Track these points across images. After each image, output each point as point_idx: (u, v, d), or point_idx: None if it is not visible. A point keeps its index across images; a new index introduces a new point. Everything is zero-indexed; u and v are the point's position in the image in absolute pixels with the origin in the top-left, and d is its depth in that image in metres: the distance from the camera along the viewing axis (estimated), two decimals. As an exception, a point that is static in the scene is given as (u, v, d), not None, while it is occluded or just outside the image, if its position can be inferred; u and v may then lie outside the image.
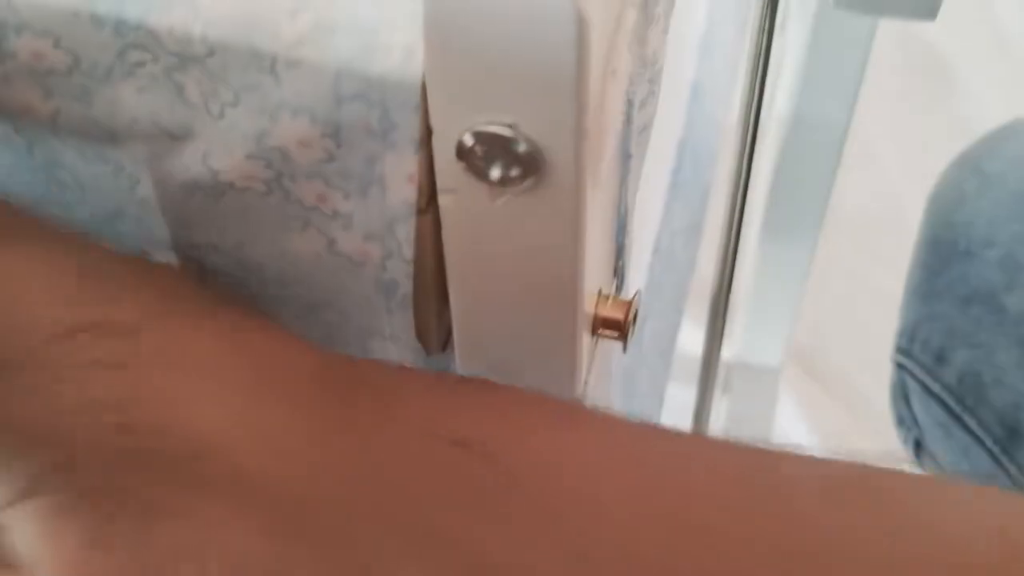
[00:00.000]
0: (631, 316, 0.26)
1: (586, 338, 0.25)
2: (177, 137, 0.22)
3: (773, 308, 0.75)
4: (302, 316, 0.25)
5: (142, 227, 0.24)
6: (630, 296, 0.27)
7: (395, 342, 0.25)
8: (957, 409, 0.58)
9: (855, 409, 1.10)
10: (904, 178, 1.28)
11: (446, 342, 0.25)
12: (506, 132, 0.19)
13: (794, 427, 1.02)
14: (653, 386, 0.51)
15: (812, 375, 1.12)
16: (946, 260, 0.61)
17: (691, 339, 0.63)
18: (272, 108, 0.21)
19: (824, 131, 0.66)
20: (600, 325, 0.26)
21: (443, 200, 0.21)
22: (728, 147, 0.55)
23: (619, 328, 0.26)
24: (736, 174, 0.53)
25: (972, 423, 0.57)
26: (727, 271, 0.57)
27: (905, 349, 0.63)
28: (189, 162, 0.22)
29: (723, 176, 0.56)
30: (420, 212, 0.22)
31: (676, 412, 0.58)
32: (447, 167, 0.20)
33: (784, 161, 0.70)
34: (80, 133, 0.22)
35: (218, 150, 0.22)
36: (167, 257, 0.25)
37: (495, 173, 0.20)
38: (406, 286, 0.23)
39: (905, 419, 0.65)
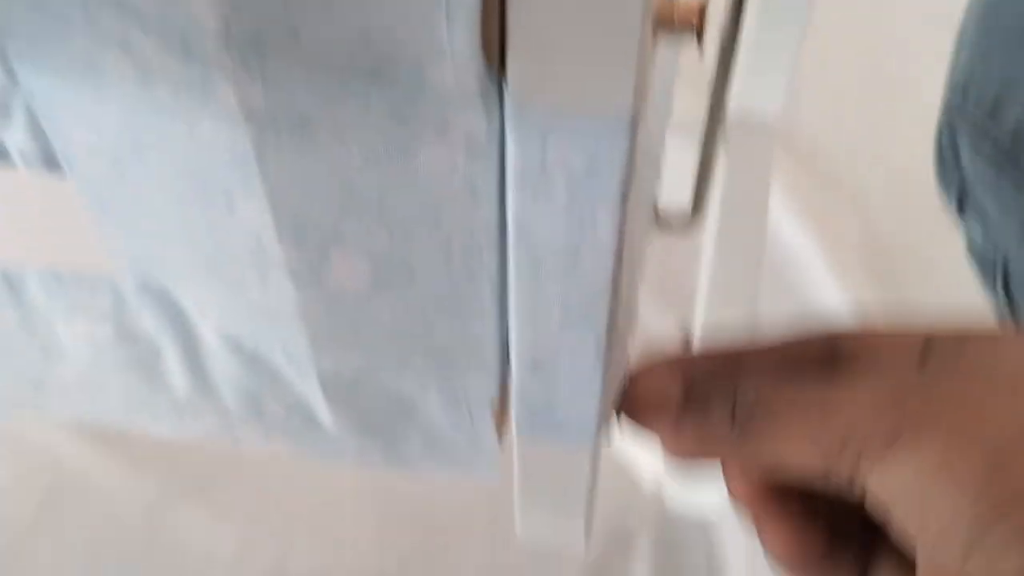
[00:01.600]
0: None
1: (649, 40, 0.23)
2: None
3: (772, 57, 0.75)
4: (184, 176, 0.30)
5: None
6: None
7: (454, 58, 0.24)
8: (1008, 165, 0.56)
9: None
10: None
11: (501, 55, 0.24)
12: None
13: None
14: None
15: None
16: (1004, 9, 0.59)
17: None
18: None
19: None
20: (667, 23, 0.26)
21: None
22: None
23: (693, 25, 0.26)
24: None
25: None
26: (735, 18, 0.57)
27: (957, 104, 0.61)
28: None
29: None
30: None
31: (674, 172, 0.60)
32: None
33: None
34: None
35: None
36: None
37: None
38: None
39: (951, 177, 0.64)
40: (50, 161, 0.33)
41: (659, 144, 0.38)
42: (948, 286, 0.95)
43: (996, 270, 0.64)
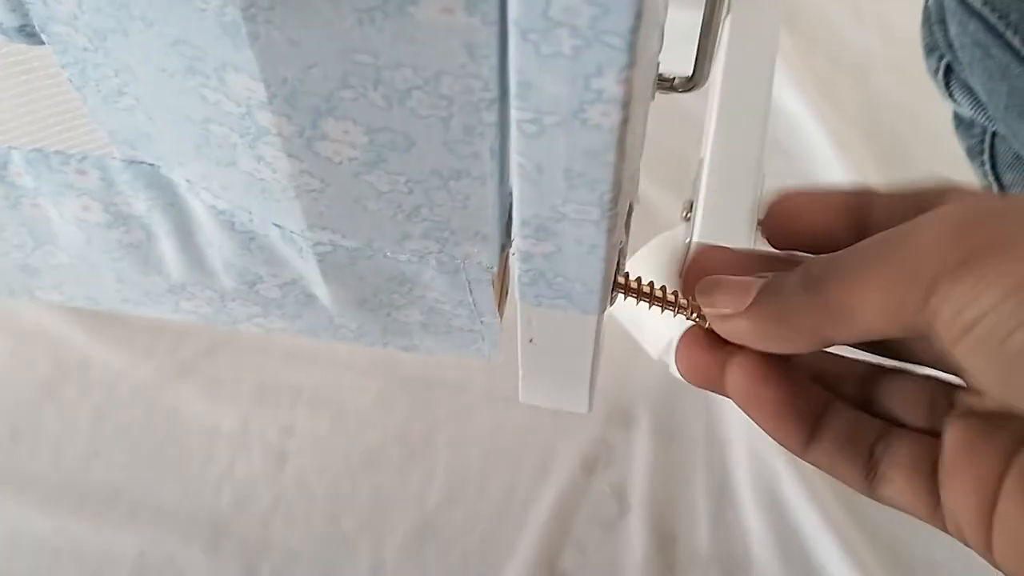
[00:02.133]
0: None
1: None
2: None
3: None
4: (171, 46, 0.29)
5: None
6: None
7: None
8: (1000, 26, 0.55)
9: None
10: None
11: None
12: None
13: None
14: None
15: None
16: None
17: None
18: None
19: None
20: None
21: None
22: None
23: None
24: None
25: (1015, 40, 0.54)
26: None
27: None
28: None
29: None
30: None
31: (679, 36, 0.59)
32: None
33: None
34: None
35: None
36: None
37: None
38: None
39: (938, 45, 0.62)
40: (29, 32, 0.32)
41: (662, 3, 0.37)
42: (949, 155, 0.94)
43: (984, 146, 0.64)
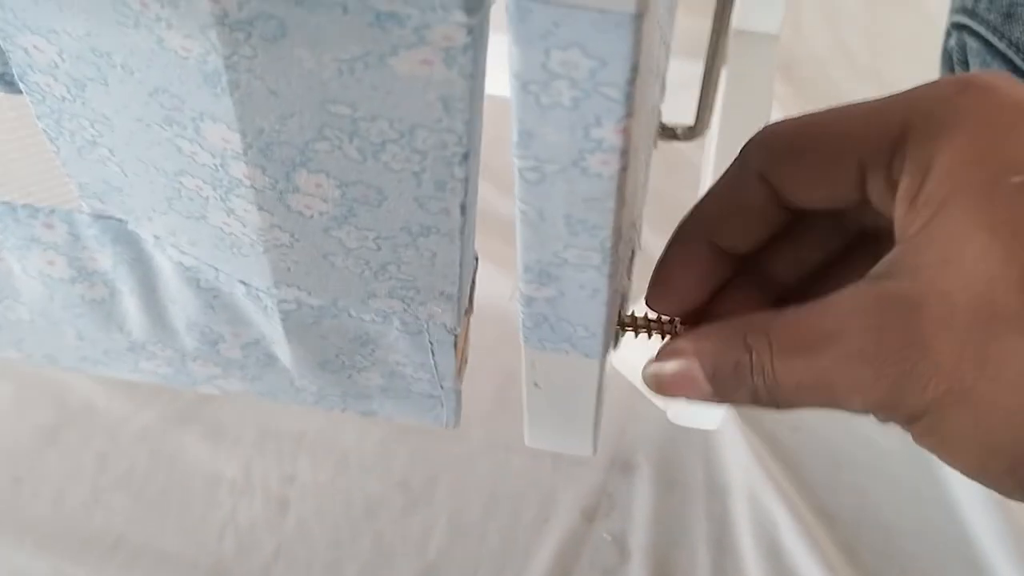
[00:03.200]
0: None
1: None
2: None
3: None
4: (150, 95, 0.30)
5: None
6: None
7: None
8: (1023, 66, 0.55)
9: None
10: None
11: None
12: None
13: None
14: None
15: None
16: None
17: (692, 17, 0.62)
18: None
19: None
20: None
21: None
22: None
23: None
24: None
25: None
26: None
27: (969, 9, 0.60)
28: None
29: None
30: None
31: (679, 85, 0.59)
32: None
33: None
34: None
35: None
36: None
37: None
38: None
39: None
40: (7, 81, 0.32)
41: (663, 54, 0.38)
42: None
43: None
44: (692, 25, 0.59)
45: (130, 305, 0.42)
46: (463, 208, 0.30)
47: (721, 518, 0.79)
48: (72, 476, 0.81)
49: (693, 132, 0.64)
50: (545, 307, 0.32)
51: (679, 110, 0.62)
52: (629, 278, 0.36)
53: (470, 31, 0.24)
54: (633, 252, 0.36)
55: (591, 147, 0.25)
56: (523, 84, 0.24)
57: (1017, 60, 0.55)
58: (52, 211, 0.38)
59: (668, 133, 0.63)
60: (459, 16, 0.24)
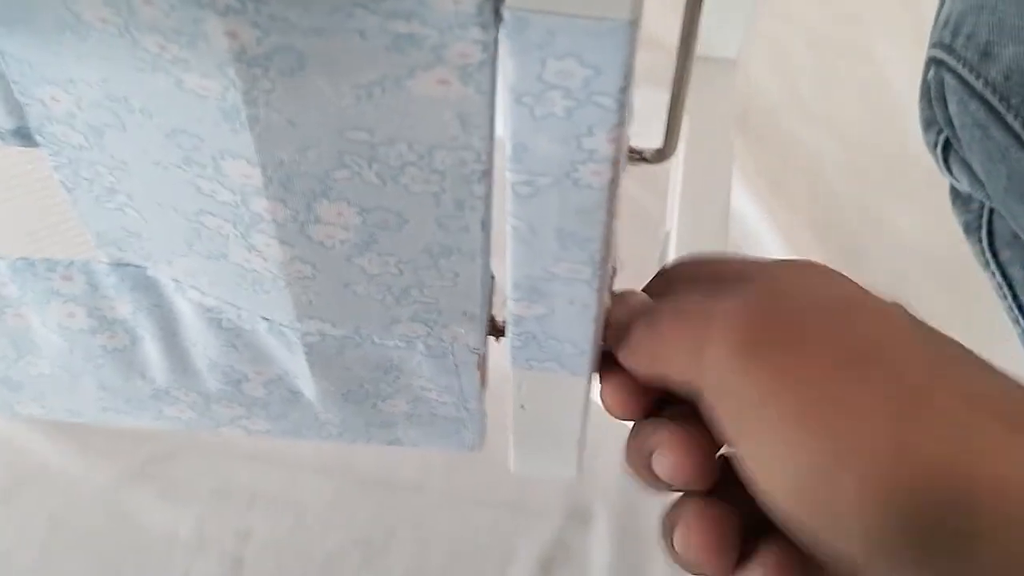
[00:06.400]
0: None
1: None
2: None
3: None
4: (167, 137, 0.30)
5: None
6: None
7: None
8: (1000, 108, 0.54)
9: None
10: None
11: None
12: None
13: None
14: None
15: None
16: None
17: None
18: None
19: None
20: None
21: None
22: None
23: None
24: None
25: (1015, 123, 0.53)
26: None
27: (947, 44, 0.58)
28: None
29: None
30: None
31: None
32: None
33: None
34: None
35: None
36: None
37: None
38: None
39: (937, 120, 0.61)
40: (24, 135, 0.32)
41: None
42: (898, 250, 0.96)
43: (981, 221, 0.64)
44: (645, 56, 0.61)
45: (151, 351, 0.42)
46: (483, 225, 0.31)
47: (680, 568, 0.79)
48: (22, 539, 0.80)
49: (662, 155, 0.66)
50: (534, 325, 0.33)
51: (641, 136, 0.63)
52: (611, 297, 0.37)
53: (485, 47, 0.25)
54: (615, 270, 0.37)
55: (583, 158, 0.26)
56: (518, 97, 0.25)
57: (994, 101, 0.55)
58: (71, 263, 0.39)
59: (636, 156, 0.64)
60: (476, 33, 0.24)
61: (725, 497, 0.33)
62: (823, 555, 0.27)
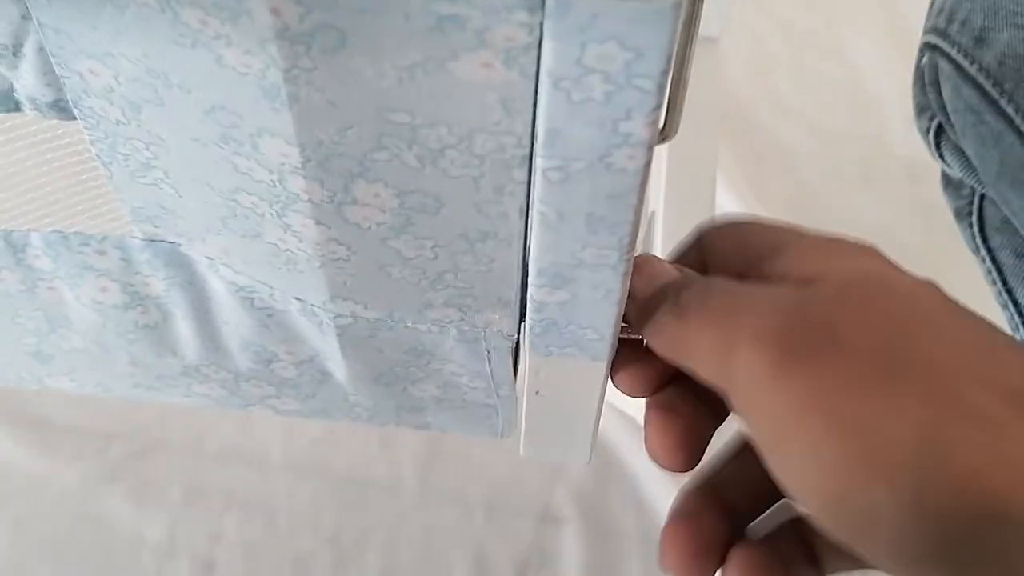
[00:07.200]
0: None
1: None
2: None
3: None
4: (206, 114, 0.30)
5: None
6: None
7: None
8: (994, 93, 0.55)
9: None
10: None
11: None
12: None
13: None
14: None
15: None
16: None
17: None
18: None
19: None
20: None
21: None
22: None
23: None
24: None
25: (1009, 108, 0.54)
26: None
27: (941, 29, 0.59)
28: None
29: None
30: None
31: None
32: None
33: None
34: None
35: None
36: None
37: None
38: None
39: (930, 105, 0.62)
40: (61, 107, 0.32)
41: None
42: (872, 241, 0.95)
43: (972, 207, 0.64)
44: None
45: (183, 328, 0.42)
46: (521, 211, 0.30)
47: (656, 565, 0.79)
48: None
49: (664, 135, 0.66)
50: (556, 311, 0.32)
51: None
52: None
53: (531, 30, 0.24)
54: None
55: (618, 141, 0.25)
56: (555, 81, 0.24)
57: (987, 86, 0.55)
58: (104, 238, 0.39)
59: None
60: (522, 15, 0.24)
61: (724, 487, 0.34)
62: (858, 555, 0.27)
